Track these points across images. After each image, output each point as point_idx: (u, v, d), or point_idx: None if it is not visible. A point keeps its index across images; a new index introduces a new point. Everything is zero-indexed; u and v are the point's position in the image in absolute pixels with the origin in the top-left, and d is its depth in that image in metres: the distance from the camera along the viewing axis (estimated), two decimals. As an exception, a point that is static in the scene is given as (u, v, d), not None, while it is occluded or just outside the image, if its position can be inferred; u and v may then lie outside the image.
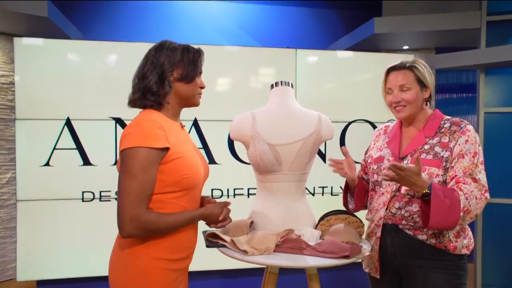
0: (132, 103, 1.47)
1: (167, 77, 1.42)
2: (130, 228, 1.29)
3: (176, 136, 1.41)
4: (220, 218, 1.51)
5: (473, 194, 1.53)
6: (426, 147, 1.67)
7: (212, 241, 1.71)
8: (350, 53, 3.76)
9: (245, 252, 1.57)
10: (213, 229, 1.83)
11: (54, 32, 3.97)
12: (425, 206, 1.53)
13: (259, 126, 1.77)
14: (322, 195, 3.57)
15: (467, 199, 1.52)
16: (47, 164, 3.15)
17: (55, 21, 3.73)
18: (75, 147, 3.18)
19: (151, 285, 1.35)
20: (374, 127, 3.60)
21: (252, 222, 1.82)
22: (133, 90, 1.47)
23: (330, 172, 3.49)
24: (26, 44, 3.14)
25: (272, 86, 1.89)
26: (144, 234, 1.33)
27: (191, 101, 1.52)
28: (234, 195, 3.41)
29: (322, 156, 3.57)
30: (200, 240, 1.88)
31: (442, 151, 1.63)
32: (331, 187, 3.58)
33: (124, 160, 1.30)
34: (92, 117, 3.21)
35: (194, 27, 5.05)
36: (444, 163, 1.61)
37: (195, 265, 3.42)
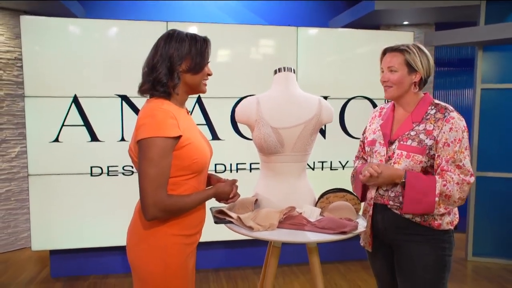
0: (142, 92, 1.54)
1: (176, 69, 1.48)
2: (154, 211, 1.39)
3: (185, 123, 1.50)
4: (230, 196, 1.63)
5: (453, 180, 1.64)
6: (412, 133, 1.76)
7: (220, 217, 1.84)
8: (350, 31, 3.81)
9: (251, 228, 1.70)
10: (220, 206, 1.97)
11: (57, 8, 3.98)
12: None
13: (263, 111, 1.87)
14: (322, 169, 3.70)
15: (444, 185, 1.64)
16: (56, 140, 3.27)
17: (57, -3, 3.76)
18: (82, 123, 3.29)
19: (170, 259, 1.48)
20: (373, 103, 3.70)
21: (256, 200, 1.95)
22: (143, 79, 1.52)
23: (329, 148, 3.64)
24: (32, 22, 3.19)
25: (275, 72, 1.98)
26: (167, 215, 1.45)
27: (198, 90, 1.59)
28: (237, 169, 3.54)
29: (322, 132, 3.68)
30: (208, 216, 2.02)
31: (426, 138, 1.72)
32: (330, 162, 3.71)
33: (143, 149, 1.39)
34: (99, 94, 3.30)
35: (198, 4, 5.04)
36: (427, 151, 1.71)
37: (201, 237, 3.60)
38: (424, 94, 1.85)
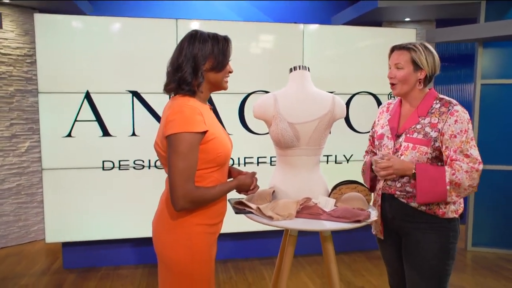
0: (168, 91, 1.62)
1: (200, 68, 1.55)
2: (183, 203, 1.48)
3: (209, 119, 1.58)
4: (251, 188, 1.73)
5: (462, 169, 1.73)
6: (418, 126, 1.86)
7: (240, 208, 1.93)
8: (354, 28, 3.91)
9: (270, 218, 1.80)
10: (238, 198, 2.07)
11: (66, 5, 4.04)
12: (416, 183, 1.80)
13: (281, 107, 1.97)
14: (327, 163, 3.81)
15: (453, 174, 1.74)
16: (69, 135, 3.35)
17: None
18: (95, 119, 3.37)
19: (196, 247, 1.57)
20: (377, 99, 3.81)
21: (273, 191, 2.05)
22: (168, 79, 1.59)
23: (334, 142, 3.75)
24: (46, 20, 3.26)
25: (290, 70, 2.07)
26: (194, 206, 1.54)
27: (220, 87, 1.68)
28: (245, 163, 3.64)
29: (327, 126, 3.78)
30: (228, 208, 2.11)
31: (431, 131, 1.82)
32: (335, 156, 3.81)
33: (173, 144, 1.47)
34: (110, 90, 3.38)
35: (206, 3, 5.10)
36: (432, 142, 1.81)
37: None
38: (429, 89, 1.94)
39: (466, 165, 1.74)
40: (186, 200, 1.48)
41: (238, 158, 3.63)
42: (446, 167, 1.76)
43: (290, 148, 2.00)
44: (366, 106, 3.79)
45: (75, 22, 3.31)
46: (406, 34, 3.79)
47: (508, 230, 4.09)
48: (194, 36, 1.59)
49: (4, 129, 4.12)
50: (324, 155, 3.79)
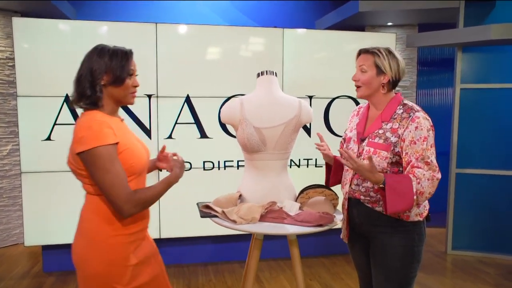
0: (71, 103, 1.60)
1: (98, 83, 1.54)
2: (127, 209, 1.48)
3: (120, 130, 1.57)
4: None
5: (425, 177, 1.75)
6: (380, 131, 1.88)
7: (206, 212, 1.95)
8: (335, 32, 3.95)
9: (234, 221, 1.82)
10: (206, 202, 2.08)
11: (48, 8, 4.05)
12: (384, 193, 1.77)
13: (247, 112, 1.99)
14: (307, 166, 3.83)
15: (419, 183, 1.75)
16: (49, 138, 3.35)
17: (49, -2, 3.83)
18: (74, 122, 3.37)
19: (112, 259, 1.55)
20: (357, 102, 3.83)
21: (240, 195, 2.07)
22: (73, 92, 1.58)
23: (314, 145, 3.77)
24: (24, 23, 3.26)
25: (258, 75, 2.09)
26: (140, 209, 1.54)
27: (124, 101, 1.64)
28: (225, 167, 3.65)
29: (307, 130, 3.81)
30: (195, 211, 2.13)
31: (392, 136, 1.83)
32: (316, 159, 3.84)
33: (91, 161, 1.46)
34: (90, 94, 3.38)
35: (188, 5, 5.12)
36: (392, 148, 1.82)
37: (188, 232, 3.70)
38: (396, 94, 1.96)
39: (428, 173, 1.75)
40: (130, 205, 1.48)
41: (219, 162, 3.65)
42: (410, 176, 1.77)
43: (257, 152, 2.02)
44: (346, 110, 3.78)
45: (54, 26, 3.32)
46: (386, 39, 3.83)
47: (488, 233, 4.13)
48: (94, 50, 1.59)
49: (-13, 132, 4.12)
50: (304, 159, 3.82)
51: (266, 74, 2.07)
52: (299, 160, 3.81)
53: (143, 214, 1.67)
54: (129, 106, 3.39)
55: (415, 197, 1.74)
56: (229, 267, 3.79)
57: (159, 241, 3.70)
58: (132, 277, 1.58)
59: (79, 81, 1.54)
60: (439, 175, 1.77)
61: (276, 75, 2.10)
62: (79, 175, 1.56)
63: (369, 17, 4.48)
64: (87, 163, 1.47)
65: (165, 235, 3.62)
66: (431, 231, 4.85)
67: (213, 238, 3.82)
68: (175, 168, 1.70)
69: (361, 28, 4.86)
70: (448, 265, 3.96)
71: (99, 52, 1.57)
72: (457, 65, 4.06)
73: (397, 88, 4.97)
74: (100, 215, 1.56)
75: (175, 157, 1.77)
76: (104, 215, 1.55)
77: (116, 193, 1.46)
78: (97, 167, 1.45)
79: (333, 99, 3.83)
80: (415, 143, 1.78)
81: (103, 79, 1.55)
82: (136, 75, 1.65)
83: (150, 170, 1.86)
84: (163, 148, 1.85)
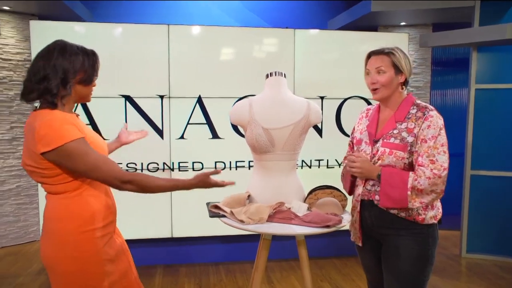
0: (29, 99, 1.54)
1: (70, 81, 1.54)
2: (117, 184, 1.52)
3: (82, 126, 1.60)
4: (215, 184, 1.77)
5: (425, 174, 1.75)
6: (395, 131, 1.87)
7: (214, 212, 1.97)
8: (347, 32, 3.93)
9: (242, 221, 1.84)
10: (216, 202, 2.10)
11: (64, 11, 4.13)
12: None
13: (255, 113, 2.00)
14: (318, 167, 3.83)
15: (416, 179, 1.76)
16: (64, 138, 3.41)
17: (65, 2, 3.91)
18: (88, 123, 3.43)
19: (83, 254, 1.54)
20: (368, 103, 3.81)
21: (249, 196, 2.08)
22: (29, 87, 1.53)
23: (326, 146, 3.77)
24: (41, 26, 3.34)
25: (267, 76, 2.11)
26: (137, 188, 1.56)
27: (85, 100, 1.68)
28: (236, 167, 3.68)
29: (319, 131, 3.80)
30: (204, 211, 2.15)
31: (408, 136, 1.84)
32: (327, 160, 3.83)
33: (65, 157, 1.46)
34: (104, 95, 3.44)
35: (200, 6, 5.15)
36: (409, 147, 1.83)
37: (200, 231, 3.73)
38: (408, 94, 1.96)
39: (429, 171, 1.75)
40: (118, 181, 1.52)
41: (230, 162, 3.67)
42: (411, 173, 1.78)
43: (265, 153, 2.03)
44: (358, 110, 3.74)
45: (69, 28, 3.39)
46: (399, 39, 3.80)
47: (503, 236, 4.05)
48: (64, 48, 1.58)
49: (5, 132, 4.23)
50: (315, 160, 3.82)
51: (275, 75, 2.08)
52: (310, 161, 3.80)
53: (109, 207, 1.66)
54: (141, 106, 3.48)
55: (409, 192, 1.75)
56: (240, 267, 3.81)
57: (171, 241, 3.75)
58: (107, 273, 1.57)
59: (46, 78, 1.50)
60: (442, 173, 1.76)
61: (285, 76, 2.11)
62: (38, 176, 1.54)
63: (382, 17, 4.45)
64: (61, 161, 1.46)
65: (176, 234, 3.66)
66: (445, 234, 4.80)
67: (224, 238, 3.85)
68: (201, 182, 1.70)
69: (374, 28, 4.83)
70: (463, 269, 3.90)
71: (70, 50, 1.57)
72: (472, 65, 4.01)
73: (410, 89, 4.94)
74: (63, 214, 1.54)
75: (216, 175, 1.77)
76: (67, 213, 1.54)
77: (104, 172, 1.49)
78: (75, 159, 1.46)
79: (345, 99, 3.81)
80: (426, 141, 1.79)
81: (76, 78, 1.56)
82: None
83: (114, 149, 2.03)
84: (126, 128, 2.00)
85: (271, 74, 2.09)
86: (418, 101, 1.93)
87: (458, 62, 4.99)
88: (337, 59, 3.81)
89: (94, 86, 1.67)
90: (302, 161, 3.79)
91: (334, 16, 5.18)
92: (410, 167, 1.85)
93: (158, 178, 1.61)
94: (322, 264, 3.86)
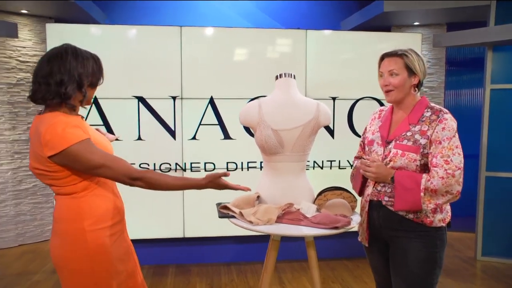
0: (49, 106, 1.56)
1: (84, 85, 1.58)
2: (126, 180, 1.53)
3: (87, 127, 1.63)
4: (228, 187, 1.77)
5: (438, 175, 1.75)
6: (408, 134, 1.87)
7: (224, 212, 1.99)
8: (358, 33, 3.91)
9: (250, 222, 1.85)
10: (225, 202, 2.12)
11: (80, 14, 4.21)
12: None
13: (265, 114, 2.02)
14: (330, 168, 3.81)
15: (429, 180, 1.75)
16: (78, 139, 3.47)
17: (80, 4, 3.97)
18: (102, 123, 3.49)
19: (94, 254, 1.57)
20: (381, 104, 3.79)
21: (258, 196, 2.09)
22: (49, 93, 1.53)
23: (338, 147, 3.75)
24: (57, 29, 3.42)
25: (276, 77, 2.12)
26: (145, 184, 1.57)
27: (89, 103, 1.70)
28: (248, 168, 3.69)
29: (331, 132, 3.79)
30: (214, 212, 2.17)
31: (421, 138, 1.83)
32: (339, 161, 3.82)
33: (72, 159, 1.49)
34: (117, 96, 3.50)
35: (212, 7, 5.18)
36: (421, 149, 1.82)
37: (212, 231, 3.75)
38: (422, 97, 1.95)
39: (442, 171, 1.74)
40: (127, 178, 1.53)
41: (242, 163, 3.69)
42: (424, 174, 1.77)
43: (275, 154, 2.04)
44: (370, 111, 3.71)
45: (84, 30, 3.45)
46: (411, 39, 3.76)
47: (520, 239, 3.99)
48: (75, 53, 1.60)
49: (22, 133, 4.32)
50: (327, 160, 3.81)
51: (285, 76, 2.09)
52: (322, 161, 3.80)
53: (116, 207, 1.68)
54: (154, 107, 3.52)
55: (423, 194, 1.75)
56: (251, 267, 3.82)
57: (183, 241, 3.78)
58: (116, 272, 1.60)
59: (62, 82, 1.52)
60: (456, 173, 1.75)
61: (294, 77, 2.11)
62: (46, 178, 1.57)
63: (395, 17, 4.41)
64: (68, 163, 1.49)
65: (189, 234, 3.69)
66: (459, 236, 4.73)
67: (236, 238, 3.86)
68: (211, 183, 1.71)
69: (387, 29, 4.79)
70: (478, 272, 3.84)
71: (82, 56, 1.60)
72: (487, 65, 3.94)
73: (424, 89, 4.88)
74: (72, 214, 1.57)
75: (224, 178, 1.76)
76: (76, 213, 1.57)
77: (110, 168, 1.50)
78: (81, 161, 1.49)
79: (357, 100, 3.79)
80: (440, 143, 1.78)
81: (88, 82, 1.60)
82: None
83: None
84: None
85: (280, 75, 2.10)
86: (432, 104, 1.92)
87: (473, 62, 4.92)
88: (349, 59, 3.79)
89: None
90: (314, 162, 3.78)
91: (347, 17, 5.15)
92: (422, 169, 1.84)
93: (168, 176, 1.63)
94: (334, 266, 3.85)
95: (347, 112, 3.79)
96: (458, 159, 1.78)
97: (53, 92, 1.53)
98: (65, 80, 1.53)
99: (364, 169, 1.87)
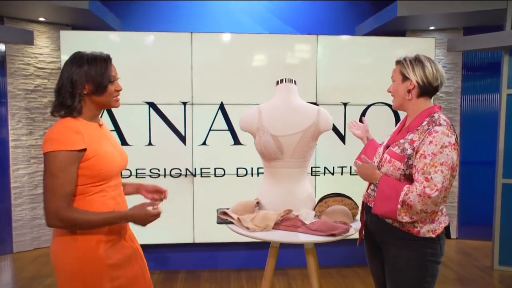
0: (53, 113, 1.60)
1: (78, 93, 1.56)
2: (51, 219, 1.51)
3: (93, 136, 1.60)
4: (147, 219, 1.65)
5: (416, 192, 1.68)
6: (401, 141, 1.83)
7: (222, 218, 1.99)
8: (371, 38, 3.87)
9: (247, 228, 1.84)
10: (225, 208, 2.12)
11: (95, 21, 4.30)
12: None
13: (264, 119, 2.01)
14: (341, 174, 3.77)
15: (406, 194, 1.69)
16: (91, 144, 3.54)
17: (95, 12, 4.07)
18: (113, 129, 3.55)
19: (85, 256, 1.57)
20: (393, 110, 3.73)
21: (258, 203, 2.08)
22: (54, 101, 1.60)
23: (349, 153, 3.71)
24: (71, 36, 3.51)
25: (277, 83, 2.11)
26: (66, 226, 1.54)
27: (108, 106, 1.68)
28: (258, 173, 3.68)
29: (342, 138, 3.76)
30: (214, 218, 2.18)
31: (409, 148, 1.78)
32: (350, 167, 3.77)
33: (46, 162, 1.50)
34: (128, 101, 3.55)
35: (225, 12, 5.21)
36: (406, 159, 1.76)
37: (222, 237, 3.74)
38: (433, 105, 1.88)
39: (421, 189, 1.68)
40: (54, 218, 1.50)
41: (252, 168, 3.68)
42: (405, 186, 1.72)
43: (274, 160, 2.03)
44: (382, 116, 3.73)
45: (97, 37, 3.53)
46: (425, 43, 3.70)
47: (539, 249, 3.84)
48: (72, 60, 1.60)
49: (39, 138, 4.44)
50: (338, 167, 3.77)
51: (285, 82, 2.08)
52: (333, 168, 3.76)
53: (119, 226, 1.66)
54: (164, 113, 3.56)
55: (399, 206, 1.71)
56: (261, 273, 3.74)
57: (193, 246, 3.79)
58: (109, 277, 1.60)
59: (59, 91, 1.57)
60: (433, 194, 1.66)
61: (295, 83, 2.10)
62: None
63: (409, 21, 4.35)
64: (44, 164, 1.52)
65: (198, 240, 3.70)
66: (476, 244, 4.60)
67: (246, 244, 3.85)
68: (140, 212, 1.63)
69: (401, 33, 4.72)
70: (495, 282, 3.72)
71: (78, 61, 1.59)
72: (504, 70, 3.84)
73: (440, 94, 4.77)
74: None
75: (153, 207, 1.67)
76: None
77: (47, 199, 1.48)
78: (47, 169, 1.50)
79: (369, 106, 3.75)
80: (425, 157, 1.70)
81: (85, 88, 1.58)
82: (118, 78, 1.66)
83: (131, 192, 1.87)
84: (164, 193, 1.86)
85: (281, 80, 2.10)
86: (437, 114, 1.82)
87: (489, 66, 4.79)
88: (360, 64, 3.75)
89: (118, 90, 1.68)
90: (325, 168, 3.75)
91: (362, 22, 5.10)
92: (407, 179, 1.78)
93: (96, 214, 1.56)
94: (345, 273, 3.79)
95: (359, 118, 3.75)
96: (439, 177, 1.67)
97: (56, 100, 1.58)
98: (62, 88, 1.57)
99: (355, 166, 1.93)
